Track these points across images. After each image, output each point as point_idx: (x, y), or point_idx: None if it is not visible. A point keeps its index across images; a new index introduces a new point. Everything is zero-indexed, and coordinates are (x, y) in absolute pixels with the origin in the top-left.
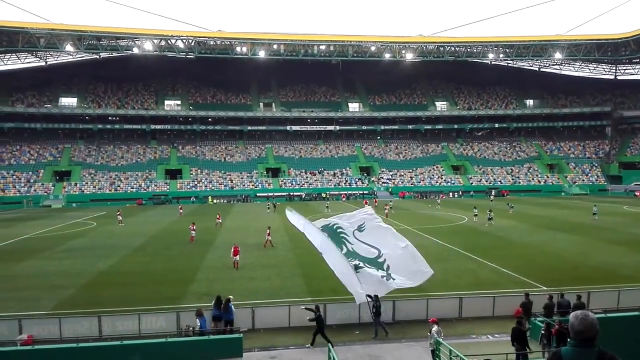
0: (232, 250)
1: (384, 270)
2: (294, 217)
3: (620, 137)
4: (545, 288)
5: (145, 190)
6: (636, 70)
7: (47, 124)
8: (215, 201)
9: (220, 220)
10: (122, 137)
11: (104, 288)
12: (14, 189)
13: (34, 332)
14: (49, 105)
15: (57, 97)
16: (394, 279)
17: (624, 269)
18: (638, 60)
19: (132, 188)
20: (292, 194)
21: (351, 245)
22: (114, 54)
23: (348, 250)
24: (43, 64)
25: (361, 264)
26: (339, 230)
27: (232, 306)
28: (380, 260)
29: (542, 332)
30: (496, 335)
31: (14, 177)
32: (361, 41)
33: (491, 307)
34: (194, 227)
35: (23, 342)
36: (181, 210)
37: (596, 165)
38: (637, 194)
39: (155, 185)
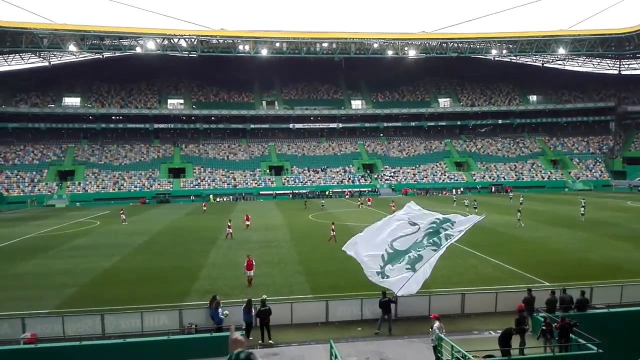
0: (245, 264)
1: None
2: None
3: (624, 133)
4: (547, 284)
5: (148, 189)
6: None
7: (50, 123)
8: (218, 199)
9: (248, 222)
10: (125, 137)
11: (107, 286)
12: (18, 189)
13: (37, 330)
14: (52, 105)
15: (61, 97)
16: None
17: (628, 264)
18: None
19: (136, 187)
20: (295, 191)
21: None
22: (117, 54)
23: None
24: (46, 64)
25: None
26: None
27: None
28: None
29: (543, 327)
30: (498, 331)
31: (18, 177)
32: (363, 38)
33: (493, 303)
34: (231, 224)
35: (26, 340)
36: (205, 208)
37: (600, 160)
38: None
39: (159, 184)
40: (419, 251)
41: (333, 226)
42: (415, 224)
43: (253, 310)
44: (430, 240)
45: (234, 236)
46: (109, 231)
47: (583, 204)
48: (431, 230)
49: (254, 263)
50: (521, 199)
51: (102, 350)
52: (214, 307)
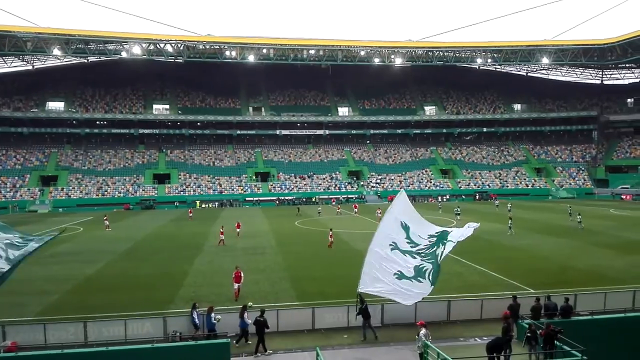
0: (233, 275)
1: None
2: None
3: (606, 141)
4: (532, 291)
5: (133, 195)
6: (622, 75)
7: (33, 128)
8: (203, 205)
9: (239, 230)
10: (109, 142)
11: (90, 293)
12: (0, 194)
13: (18, 338)
14: (35, 110)
15: (44, 101)
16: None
17: (611, 272)
18: (624, 65)
19: (120, 193)
20: (281, 198)
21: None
22: (102, 58)
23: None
24: (30, 68)
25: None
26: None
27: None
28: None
29: (527, 334)
30: (484, 338)
31: (0, 182)
32: (350, 46)
33: (479, 310)
34: (223, 231)
35: (7, 348)
36: (191, 214)
37: (583, 169)
38: (623, 197)
39: (143, 190)
40: (424, 263)
41: (331, 232)
42: (411, 239)
43: (246, 315)
44: (430, 252)
45: (225, 243)
46: (93, 237)
47: (578, 213)
48: (431, 243)
49: (242, 275)
50: (509, 206)
51: (84, 359)
52: (206, 313)
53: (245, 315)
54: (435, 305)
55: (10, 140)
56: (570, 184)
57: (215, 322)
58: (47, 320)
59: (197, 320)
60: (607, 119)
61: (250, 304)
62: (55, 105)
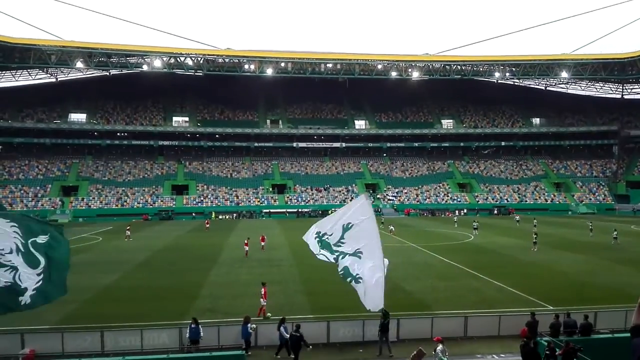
0: (262, 292)
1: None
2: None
3: (627, 156)
4: (551, 307)
5: (151, 205)
6: None
7: (56, 139)
8: (220, 217)
9: (264, 243)
10: (129, 153)
11: (107, 303)
12: (22, 204)
13: (37, 346)
14: (58, 121)
15: (67, 113)
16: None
17: (632, 289)
18: None
19: (139, 203)
20: (301, 210)
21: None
22: (124, 71)
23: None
24: (53, 80)
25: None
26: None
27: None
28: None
29: (546, 352)
30: (502, 355)
31: (22, 191)
32: (368, 60)
33: (497, 327)
34: (248, 242)
35: (25, 356)
36: (208, 225)
37: (603, 184)
38: None
39: (162, 201)
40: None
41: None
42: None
43: (282, 328)
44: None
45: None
46: (111, 247)
47: (615, 229)
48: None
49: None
50: (534, 221)
51: None
52: (242, 323)
53: (282, 328)
54: (452, 321)
55: (33, 151)
56: (590, 199)
57: (251, 331)
58: (65, 329)
59: (249, 330)
60: (628, 134)
61: (268, 314)
62: (78, 117)
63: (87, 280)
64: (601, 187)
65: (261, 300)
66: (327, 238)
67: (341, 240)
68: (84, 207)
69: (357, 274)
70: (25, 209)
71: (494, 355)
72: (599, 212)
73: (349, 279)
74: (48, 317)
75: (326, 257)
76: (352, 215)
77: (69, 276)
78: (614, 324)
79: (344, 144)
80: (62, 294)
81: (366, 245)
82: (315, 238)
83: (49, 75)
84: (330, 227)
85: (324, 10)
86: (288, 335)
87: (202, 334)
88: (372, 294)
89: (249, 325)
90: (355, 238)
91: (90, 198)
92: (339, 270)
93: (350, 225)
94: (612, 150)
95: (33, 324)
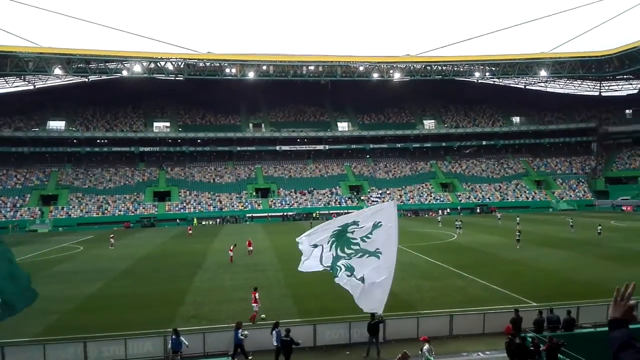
0: (253, 297)
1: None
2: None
3: (606, 153)
4: (534, 304)
5: (133, 213)
6: (620, 87)
7: (34, 147)
8: (203, 222)
9: (251, 248)
10: (110, 160)
11: (90, 313)
12: (0, 214)
13: (18, 359)
14: (36, 129)
15: (45, 120)
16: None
17: (613, 284)
18: (621, 77)
19: (120, 211)
20: (286, 214)
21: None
22: (103, 77)
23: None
24: (31, 87)
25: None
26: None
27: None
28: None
29: (531, 348)
30: (487, 353)
31: (0, 202)
32: (349, 61)
33: (481, 324)
34: (232, 249)
35: None
36: (190, 232)
37: (583, 180)
38: (624, 208)
39: (144, 208)
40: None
41: None
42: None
43: (274, 332)
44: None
45: (233, 260)
46: (93, 256)
47: (599, 225)
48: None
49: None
50: (517, 219)
51: None
52: (234, 328)
53: (274, 333)
54: (438, 320)
55: (10, 160)
56: (570, 195)
57: (242, 337)
58: (47, 341)
59: (240, 336)
60: (606, 131)
61: (262, 315)
62: (56, 125)
63: (69, 290)
64: (581, 183)
65: (253, 305)
66: (354, 231)
67: (368, 235)
68: (64, 216)
69: (362, 275)
70: (3, 219)
71: (479, 353)
72: (579, 208)
73: (346, 277)
74: (29, 330)
75: (333, 256)
76: (384, 216)
77: (49, 287)
78: (596, 318)
79: (327, 147)
80: (29, 302)
81: (386, 249)
82: (332, 234)
83: (26, 82)
84: (363, 219)
85: (305, 12)
86: (278, 342)
87: (186, 343)
88: (375, 296)
89: (239, 330)
90: (379, 239)
91: (70, 207)
92: (339, 267)
93: (380, 224)
94: (590, 147)
95: (13, 336)
